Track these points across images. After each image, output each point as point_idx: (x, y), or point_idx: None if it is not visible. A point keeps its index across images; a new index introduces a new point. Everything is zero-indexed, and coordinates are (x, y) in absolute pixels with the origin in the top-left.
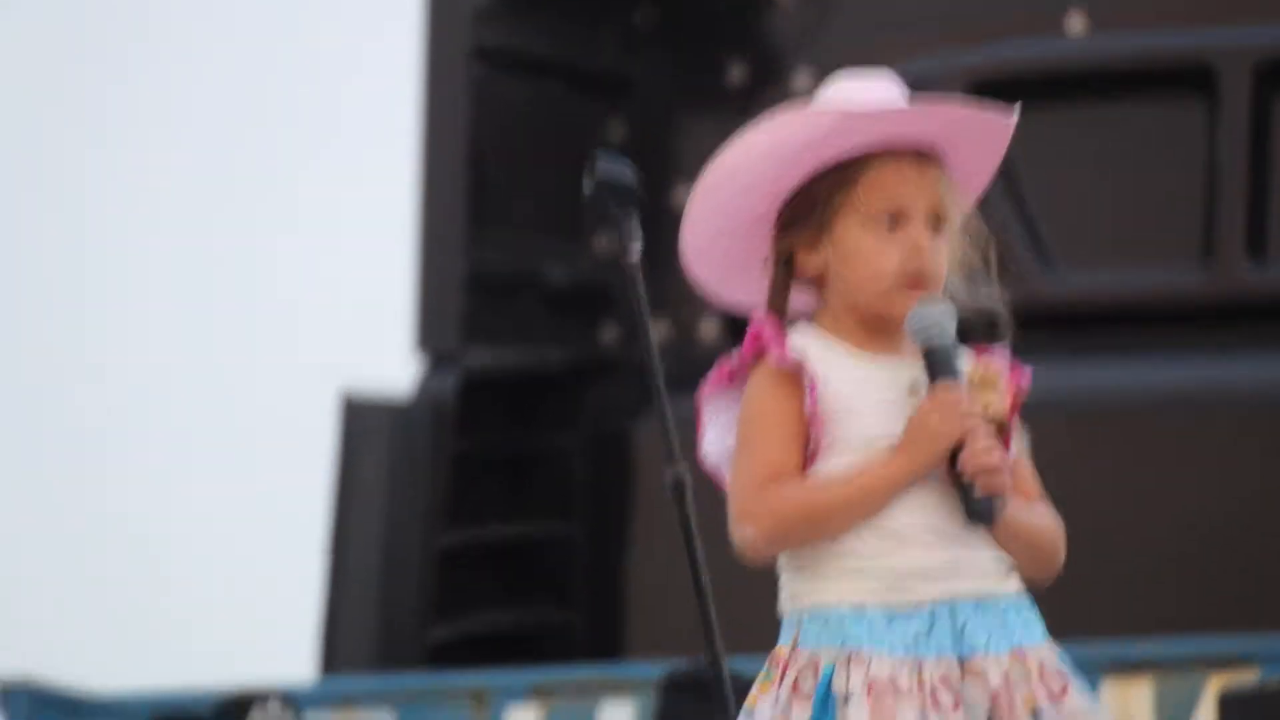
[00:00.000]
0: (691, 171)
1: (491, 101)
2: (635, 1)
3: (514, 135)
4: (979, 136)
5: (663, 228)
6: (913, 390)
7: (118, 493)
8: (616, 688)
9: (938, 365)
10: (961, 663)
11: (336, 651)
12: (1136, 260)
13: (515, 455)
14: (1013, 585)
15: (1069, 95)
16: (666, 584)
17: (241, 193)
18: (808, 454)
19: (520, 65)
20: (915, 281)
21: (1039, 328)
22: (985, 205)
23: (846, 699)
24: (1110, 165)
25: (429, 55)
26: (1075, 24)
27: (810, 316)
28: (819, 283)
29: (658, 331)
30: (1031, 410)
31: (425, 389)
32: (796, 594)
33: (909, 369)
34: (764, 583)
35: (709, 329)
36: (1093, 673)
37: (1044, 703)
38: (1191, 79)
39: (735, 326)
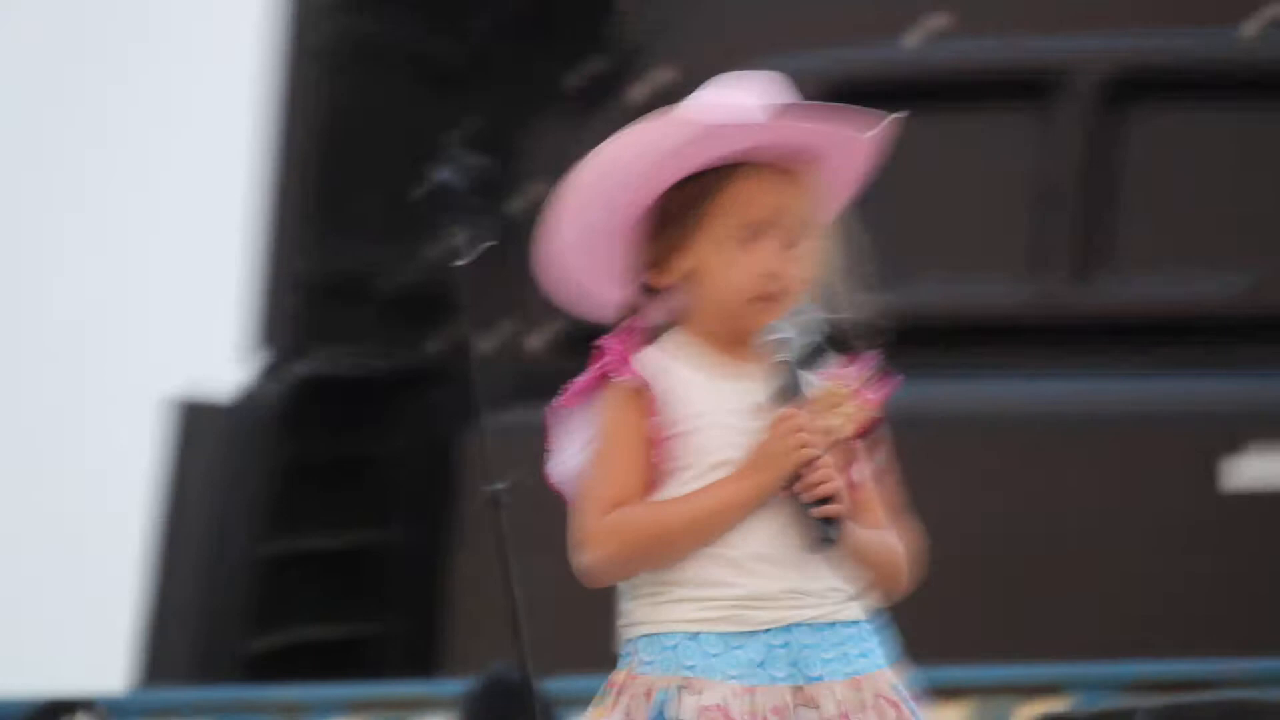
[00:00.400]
0: (540, 172)
1: (334, 96)
2: None
3: (358, 132)
4: (847, 147)
5: (509, 231)
6: (759, 412)
7: None
8: (432, 704)
9: (784, 386)
10: (798, 690)
11: (154, 660)
12: (965, 274)
13: (343, 462)
14: (854, 611)
15: (914, 101)
16: (487, 597)
17: (75, 185)
18: (655, 475)
19: (367, 61)
20: (771, 296)
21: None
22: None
23: None
24: (948, 175)
25: (275, 50)
26: (931, 28)
27: (671, 329)
28: (676, 296)
29: (491, 340)
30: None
31: (254, 393)
32: (635, 620)
33: (758, 389)
34: (592, 600)
35: (542, 338)
36: None
37: None
38: (1036, 89)
39: (568, 337)
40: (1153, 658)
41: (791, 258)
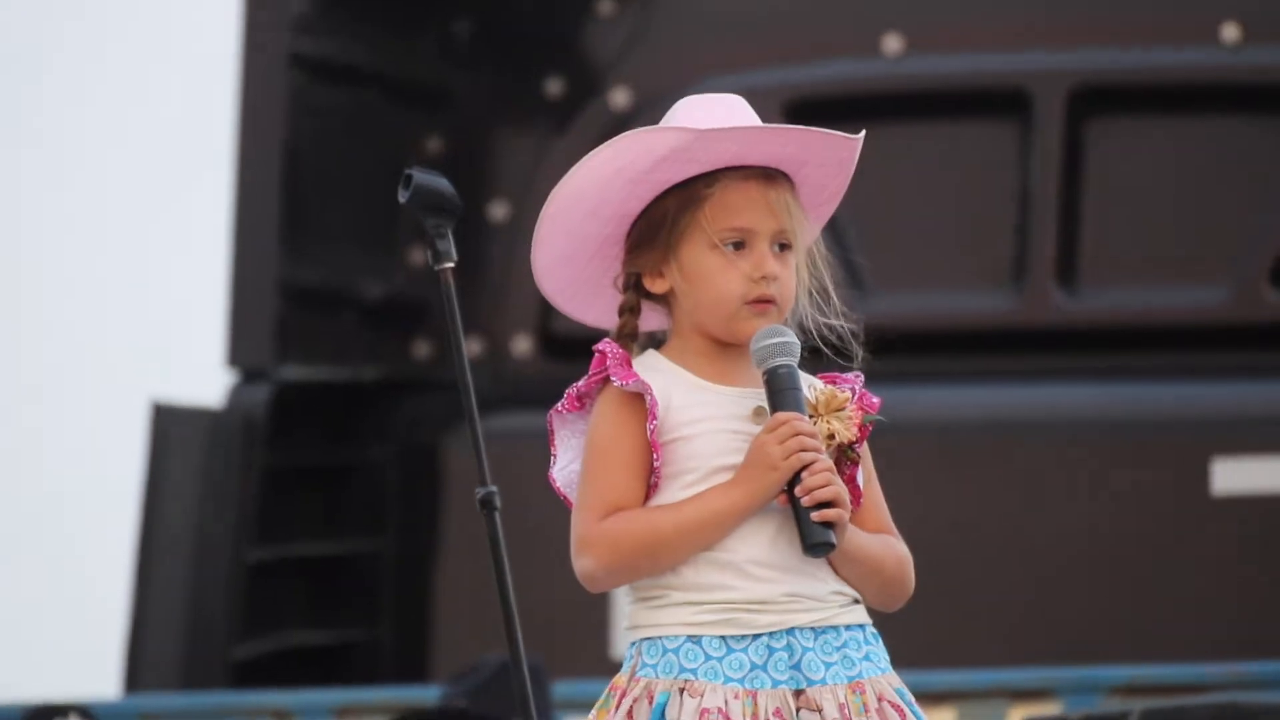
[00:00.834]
0: (509, 185)
1: (308, 112)
2: (454, 14)
3: (331, 147)
4: (825, 159)
5: (480, 242)
6: (756, 417)
7: None
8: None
9: (779, 392)
10: (799, 694)
11: (140, 666)
12: (952, 285)
13: (327, 469)
14: (855, 616)
15: (884, 117)
16: (476, 603)
17: (53, 191)
18: (651, 481)
19: (338, 75)
20: (760, 305)
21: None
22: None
23: None
24: (925, 189)
25: (245, 63)
26: (892, 45)
27: (662, 336)
28: (668, 303)
29: (471, 347)
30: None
31: (236, 400)
32: (636, 624)
33: (754, 395)
34: (588, 603)
35: (523, 345)
36: None
37: None
38: (1007, 103)
39: (550, 343)
40: (1143, 661)
41: (782, 263)
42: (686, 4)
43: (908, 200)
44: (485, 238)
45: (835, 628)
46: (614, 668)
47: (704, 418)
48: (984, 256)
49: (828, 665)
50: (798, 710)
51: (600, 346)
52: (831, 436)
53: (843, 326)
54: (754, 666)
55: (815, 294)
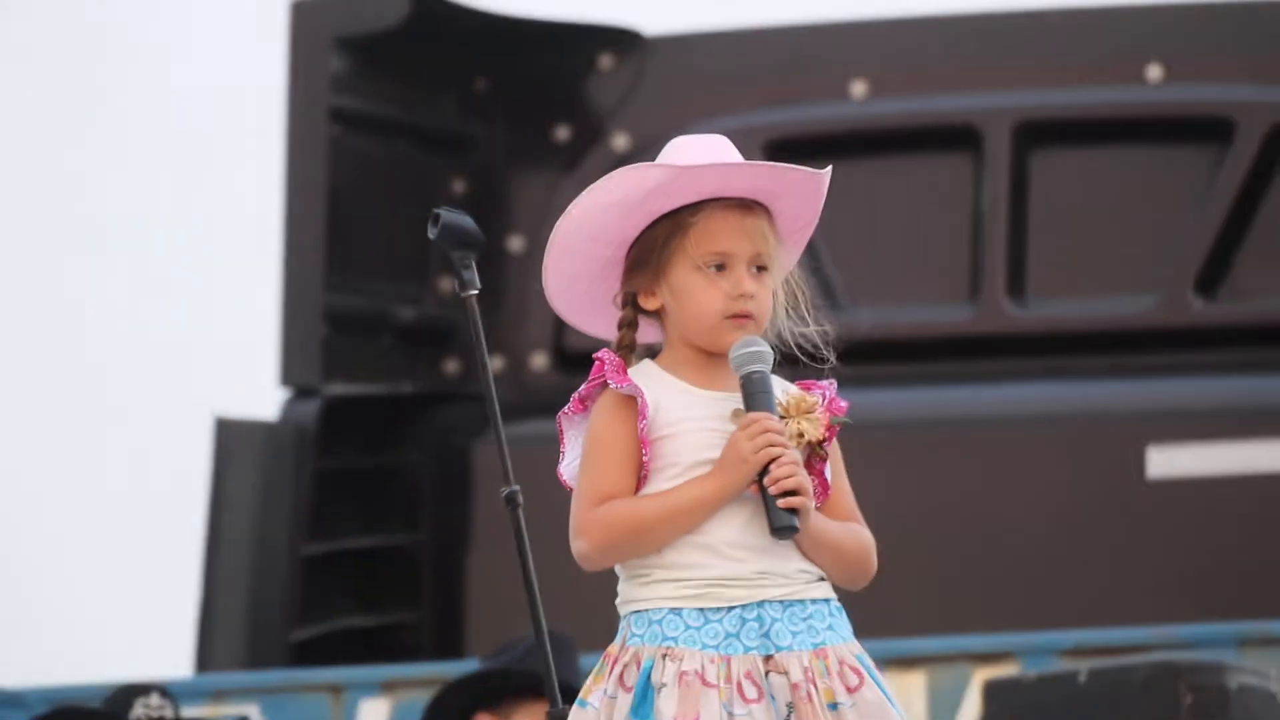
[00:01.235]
0: (524, 220)
1: (348, 159)
2: (474, 72)
3: (368, 189)
4: (796, 192)
5: (500, 271)
6: (733, 417)
7: (14, 504)
8: None
9: (752, 395)
10: (768, 659)
11: (211, 649)
12: (915, 299)
13: (370, 472)
14: (820, 591)
15: (853, 153)
16: (505, 588)
17: (123, 235)
18: (641, 473)
19: (373, 127)
20: (739, 319)
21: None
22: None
23: (660, 689)
24: (890, 215)
25: (291, 116)
26: (858, 89)
27: (657, 347)
28: (660, 318)
29: (494, 363)
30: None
31: (289, 414)
32: (626, 599)
33: (734, 399)
34: (598, 587)
35: (539, 361)
36: None
37: (842, 696)
38: (960, 138)
39: (564, 359)
40: (1091, 625)
41: (759, 282)
42: (677, 57)
43: (875, 225)
44: (505, 267)
45: (802, 601)
46: None
47: (688, 418)
48: (943, 273)
49: (794, 634)
50: (766, 673)
51: (599, 355)
52: (801, 435)
53: (817, 335)
54: (728, 635)
55: (791, 310)
